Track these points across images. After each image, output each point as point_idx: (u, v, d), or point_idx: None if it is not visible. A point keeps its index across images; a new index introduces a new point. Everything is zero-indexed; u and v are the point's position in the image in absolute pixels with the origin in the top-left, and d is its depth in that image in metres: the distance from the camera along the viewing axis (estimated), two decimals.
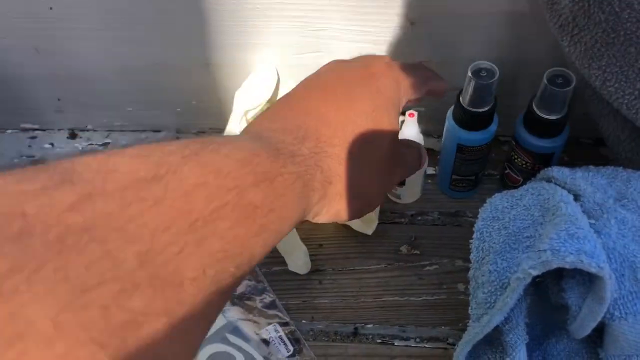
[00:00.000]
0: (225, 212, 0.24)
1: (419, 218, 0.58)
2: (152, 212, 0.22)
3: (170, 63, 0.57)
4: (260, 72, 0.57)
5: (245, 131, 0.34)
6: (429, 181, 0.59)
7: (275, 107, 0.36)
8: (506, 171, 0.55)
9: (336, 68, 0.38)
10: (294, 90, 0.37)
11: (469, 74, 0.47)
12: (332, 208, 0.35)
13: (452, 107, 0.52)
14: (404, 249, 0.56)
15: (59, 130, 0.66)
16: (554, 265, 0.38)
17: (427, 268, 0.55)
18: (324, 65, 0.38)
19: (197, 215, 0.23)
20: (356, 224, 0.56)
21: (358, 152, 0.34)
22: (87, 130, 0.66)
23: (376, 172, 0.36)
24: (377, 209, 0.56)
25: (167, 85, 0.59)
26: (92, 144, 0.65)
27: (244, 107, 0.56)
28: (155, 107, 0.62)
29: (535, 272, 0.38)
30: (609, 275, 0.37)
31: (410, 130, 0.55)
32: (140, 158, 0.23)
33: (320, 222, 0.36)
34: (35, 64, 0.58)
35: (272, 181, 0.28)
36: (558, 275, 0.42)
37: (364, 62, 0.38)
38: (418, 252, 0.55)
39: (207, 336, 0.49)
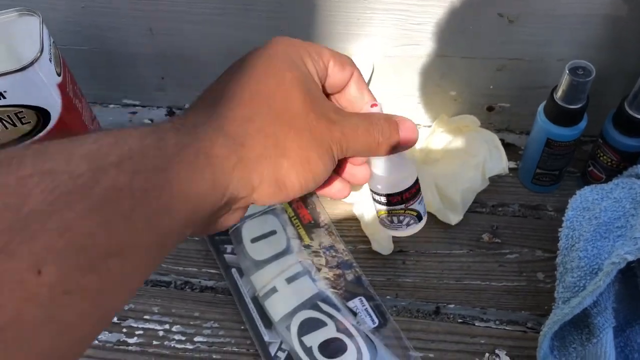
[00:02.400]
0: (73, 199, 0.22)
1: (500, 209, 0.60)
2: None
3: None
4: (357, 62, 0.60)
5: None
6: (510, 174, 0.62)
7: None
8: (589, 169, 0.57)
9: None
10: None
11: (566, 71, 0.50)
12: (266, 176, 0.31)
13: (544, 103, 0.54)
14: (485, 237, 0.58)
15: (157, 107, 0.71)
16: None
17: (508, 256, 0.57)
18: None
19: (31, 207, 0.21)
20: (441, 214, 0.58)
21: (268, 110, 0.31)
22: (184, 109, 0.70)
23: (302, 133, 0.32)
24: (467, 203, 0.58)
25: None
26: None
27: None
28: None
29: (630, 258, 0.41)
30: None
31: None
32: None
33: (264, 198, 0.32)
34: (147, 43, 0.62)
35: (145, 156, 0.25)
36: None
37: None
38: (499, 241, 0.58)
39: (299, 303, 0.53)
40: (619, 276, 0.45)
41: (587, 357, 0.44)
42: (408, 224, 0.44)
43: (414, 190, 0.42)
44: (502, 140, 0.64)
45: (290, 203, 0.61)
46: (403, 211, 0.43)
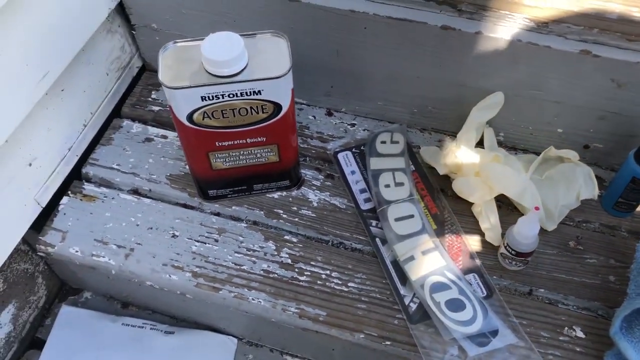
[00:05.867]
0: None
1: (584, 224, 0.78)
2: None
3: (427, 76, 0.79)
4: (494, 97, 0.78)
5: None
6: (595, 201, 0.79)
7: None
8: None
9: None
10: None
11: None
12: None
13: (635, 149, 0.71)
14: (571, 243, 0.76)
15: (319, 107, 0.90)
16: None
17: (587, 260, 0.75)
18: None
19: None
20: (542, 222, 0.75)
21: None
22: (341, 112, 0.89)
23: None
24: (561, 216, 0.76)
25: (417, 92, 0.82)
26: (343, 123, 0.88)
27: (477, 119, 0.78)
28: (399, 105, 0.85)
29: None
30: None
31: (532, 227, 0.69)
32: None
33: None
34: (332, 62, 0.81)
35: None
36: None
37: None
38: (581, 248, 0.76)
39: (432, 270, 0.71)
40: None
41: None
42: (517, 265, 0.72)
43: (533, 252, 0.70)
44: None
45: (421, 196, 0.79)
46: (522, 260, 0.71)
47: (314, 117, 0.90)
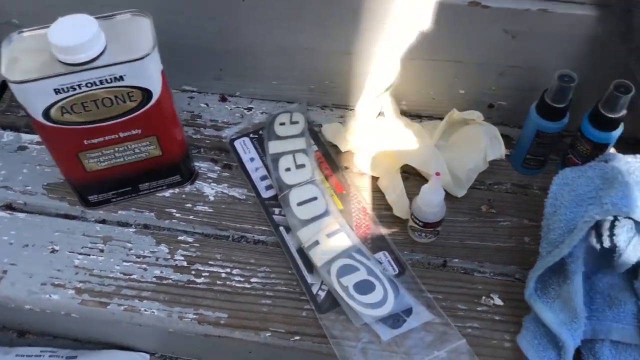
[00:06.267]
0: None
1: (495, 187, 0.74)
2: None
3: (318, 49, 0.74)
4: (388, 62, 0.74)
5: None
6: (504, 160, 0.76)
7: None
8: (568, 156, 0.72)
9: None
10: None
11: (556, 77, 0.64)
12: None
13: (536, 102, 0.68)
14: (483, 208, 0.72)
15: (212, 94, 0.83)
16: (612, 214, 0.55)
17: (501, 223, 0.71)
18: None
19: None
20: (449, 188, 0.72)
21: None
22: (236, 96, 0.83)
23: None
24: (470, 180, 0.72)
25: (309, 66, 0.77)
26: (239, 107, 0.82)
27: (373, 88, 0.73)
28: (295, 83, 0.79)
29: (598, 217, 0.55)
30: None
31: (436, 194, 0.64)
32: None
33: None
34: (216, 42, 0.75)
35: None
36: (611, 225, 0.58)
37: None
38: (494, 211, 0.72)
39: (337, 253, 0.66)
40: (590, 234, 0.59)
41: (563, 295, 0.59)
42: (428, 237, 0.68)
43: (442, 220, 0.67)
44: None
45: (326, 177, 0.74)
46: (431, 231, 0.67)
47: (207, 104, 0.83)
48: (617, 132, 0.66)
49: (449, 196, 0.72)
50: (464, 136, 0.73)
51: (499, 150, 0.72)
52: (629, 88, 0.63)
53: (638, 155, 0.64)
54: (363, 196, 0.73)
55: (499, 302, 0.65)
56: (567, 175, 0.63)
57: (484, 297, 0.65)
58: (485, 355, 0.61)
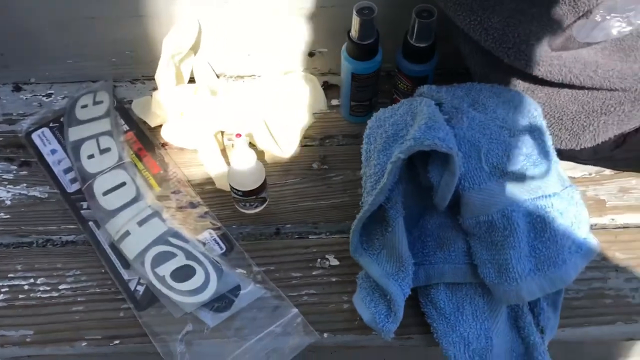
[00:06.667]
0: None
1: (327, 141, 0.69)
2: None
3: (102, 15, 0.65)
4: (184, 22, 0.66)
5: None
6: (334, 111, 0.71)
7: None
8: (394, 96, 0.67)
9: None
10: None
11: (354, 12, 0.58)
12: None
13: (345, 43, 0.63)
14: (315, 165, 0.67)
15: (3, 84, 0.73)
16: (416, 149, 0.50)
17: (334, 179, 0.66)
18: None
19: None
20: (275, 150, 0.66)
21: None
22: (31, 83, 0.73)
23: None
24: (296, 138, 0.67)
25: (102, 37, 0.68)
26: (37, 95, 0.72)
27: (171, 52, 0.65)
28: (93, 58, 0.70)
29: (403, 156, 0.51)
30: (456, 153, 0.50)
31: (245, 158, 0.58)
32: None
33: None
34: None
35: None
36: (426, 162, 0.54)
37: None
38: (327, 167, 0.67)
39: (151, 240, 0.59)
40: (406, 176, 0.55)
41: (387, 244, 0.54)
42: (254, 206, 0.62)
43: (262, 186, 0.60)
44: (327, 82, 0.73)
45: (139, 157, 0.66)
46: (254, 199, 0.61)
47: None
48: (433, 63, 0.62)
49: (277, 159, 0.66)
50: (284, 92, 0.67)
51: (321, 102, 0.67)
52: (432, 12, 0.58)
53: (456, 84, 0.61)
54: (184, 173, 0.66)
55: (335, 262, 0.60)
56: (380, 117, 0.58)
57: (319, 260, 0.60)
58: (324, 322, 0.57)
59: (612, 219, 0.63)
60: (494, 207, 0.52)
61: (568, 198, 0.53)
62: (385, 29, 0.63)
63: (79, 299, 0.58)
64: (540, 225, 0.52)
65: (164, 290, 0.56)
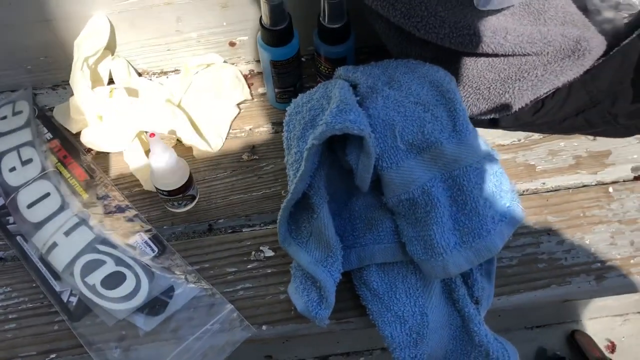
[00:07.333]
0: None
1: (257, 130, 0.68)
2: None
3: (9, 23, 0.63)
4: (94, 22, 0.64)
5: None
6: (262, 99, 0.70)
7: None
8: (318, 80, 0.67)
9: None
10: None
11: None
12: None
13: (259, 30, 0.61)
14: (245, 156, 0.66)
15: None
16: (328, 134, 0.49)
17: (265, 168, 0.65)
18: None
19: None
20: (202, 145, 0.64)
21: None
22: None
23: None
24: (224, 131, 0.66)
25: (12, 45, 0.65)
26: None
27: (84, 54, 0.63)
28: (6, 67, 0.68)
29: (317, 142, 0.50)
30: (369, 134, 0.49)
31: (163, 157, 0.56)
32: None
33: None
34: None
35: None
36: (344, 145, 0.53)
37: None
38: (257, 157, 0.66)
39: (79, 250, 0.58)
40: (328, 162, 0.54)
41: (314, 231, 0.54)
42: (183, 204, 0.61)
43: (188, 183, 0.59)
44: (253, 70, 0.72)
45: (65, 165, 0.65)
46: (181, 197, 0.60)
47: None
48: (350, 43, 0.62)
49: (205, 154, 0.65)
50: (206, 85, 0.66)
51: (243, 92, 0.66)
52: None
53: (373, 62, 0.60)
54: (110, 177, 0.65)
55: (270, 253, 0.60)
56: (298, 102, 0.57)
57: (253, 253, 0.60)
58: (261, 315, 0.57)
59: (543, 183, 0.64)
60: (413, 185, 0.52)
61: (487, 168, 0.53)
62: (302, 12, 0.62)
63: (10, 317, 0.57)
64: (460, 198, 0.52)
65: (96, 299, 0.56)
